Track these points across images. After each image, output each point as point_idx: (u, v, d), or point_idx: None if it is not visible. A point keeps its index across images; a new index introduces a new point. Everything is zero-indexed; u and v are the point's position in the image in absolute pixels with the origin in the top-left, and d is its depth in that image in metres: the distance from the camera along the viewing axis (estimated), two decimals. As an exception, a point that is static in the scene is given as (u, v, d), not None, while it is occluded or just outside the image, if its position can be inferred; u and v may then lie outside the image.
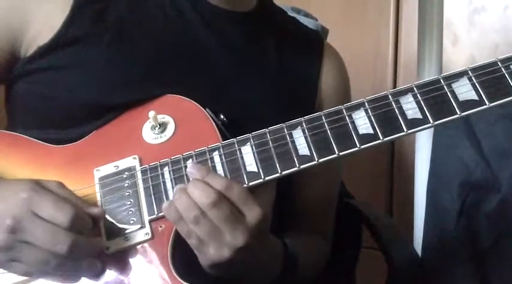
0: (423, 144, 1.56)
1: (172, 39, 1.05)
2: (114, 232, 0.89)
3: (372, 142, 0.87)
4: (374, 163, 2.06)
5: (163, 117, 0.96)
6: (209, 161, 0.90)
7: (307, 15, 1.63)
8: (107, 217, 0.90)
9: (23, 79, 1.02)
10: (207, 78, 1.04)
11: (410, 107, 0.87)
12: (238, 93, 1.06)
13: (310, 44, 1.20)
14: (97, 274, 0.86)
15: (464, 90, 0.86)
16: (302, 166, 0.88)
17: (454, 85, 0.87)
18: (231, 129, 0.95)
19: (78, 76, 0.99)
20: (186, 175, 0.90)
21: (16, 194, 0.83)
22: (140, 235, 0.89)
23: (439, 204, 1.35)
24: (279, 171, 0.88)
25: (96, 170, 0.94)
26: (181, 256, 0.90)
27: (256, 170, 0.88)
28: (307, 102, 1.14)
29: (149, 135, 0.95)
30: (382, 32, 2.09)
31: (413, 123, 0.86)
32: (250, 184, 0.88)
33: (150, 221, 0.89)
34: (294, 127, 0.90)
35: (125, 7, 1.04)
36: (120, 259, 0.89)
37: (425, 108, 0.86)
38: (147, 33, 1.04)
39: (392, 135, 0.87)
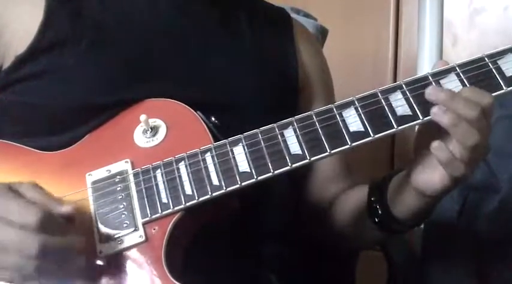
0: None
1: (149, 33, 1.05)
2: (108, 236, 0.89)
3: (363, 139, 0.87)
4: (374, 163, 2.05)
5: (155, 121, 0.96)
6: (201, 162, 0.90)
7: (307, 15, 1.63)
8: (100, 220, 0.90)
9: (5, 91, 1.01)
10: (187, 69, 1.05)
11: (399, 104, 0.87)
12: (221, 80, 1.06)
13: (280, 20, 1.21)
14: (84, 275, 0.85)
15: (453, 85, 0.87)
16: (294, 165, 0.88)
17: (442, 82, 0.87)
18: (215, 112, 0.96)
19: (60, 81, 0.99)
20: (179, 177, 0.90)
21: None
22: (134, 237, 0.89)
23: (439, 204, 1.34)
24: (272, 171, 0.88)
25: (89, 175, 0.94)
26: (176, 257, 0.90)
27: (248, 170, 0.89)
28: (290, 79, 1.14)
29: (141, 138, 0.96)
30: (382, 32, 2.08)
31: (403, 120, 0.87)
32: (243, 184, 0.88)
33: (144, 224, 0.89)
34: (285, 126, 0.90)
35: (98, 4, 1.05)
36: (114, 262, 0.88)
37: (414, 105, 0.87)
38: (124, 29, 1.04)
39: (382, 132, 0.87)
